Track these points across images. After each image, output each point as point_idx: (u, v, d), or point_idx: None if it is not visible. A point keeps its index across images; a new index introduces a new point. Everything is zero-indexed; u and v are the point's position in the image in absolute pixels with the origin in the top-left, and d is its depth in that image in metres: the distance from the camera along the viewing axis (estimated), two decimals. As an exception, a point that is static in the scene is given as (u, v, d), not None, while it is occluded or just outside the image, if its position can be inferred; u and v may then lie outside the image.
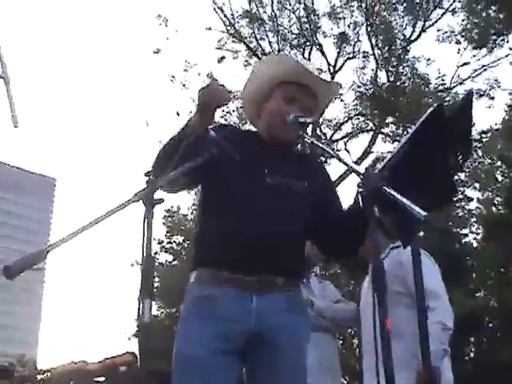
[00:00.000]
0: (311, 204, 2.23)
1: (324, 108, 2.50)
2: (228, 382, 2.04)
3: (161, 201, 1.73)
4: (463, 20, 17.23)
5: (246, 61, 18.49)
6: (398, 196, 1.69)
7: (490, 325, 16.78)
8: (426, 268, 3.27)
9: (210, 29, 18.74)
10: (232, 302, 2.06)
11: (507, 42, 16.61)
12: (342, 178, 15.60)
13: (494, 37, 16.71)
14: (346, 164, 2.03)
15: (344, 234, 2.19)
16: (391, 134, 18.15)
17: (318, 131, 17.51)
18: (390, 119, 18.13)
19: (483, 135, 17.99)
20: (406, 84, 17.56)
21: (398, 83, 17.60)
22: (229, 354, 2.03)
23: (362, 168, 1.90)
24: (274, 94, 2.30)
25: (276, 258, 2.08)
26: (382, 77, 18.04)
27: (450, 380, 3.20)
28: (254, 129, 2.49)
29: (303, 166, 2.36)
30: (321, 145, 2.22)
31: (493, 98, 17.46)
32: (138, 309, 1.68)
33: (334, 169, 19.11)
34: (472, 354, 17.56)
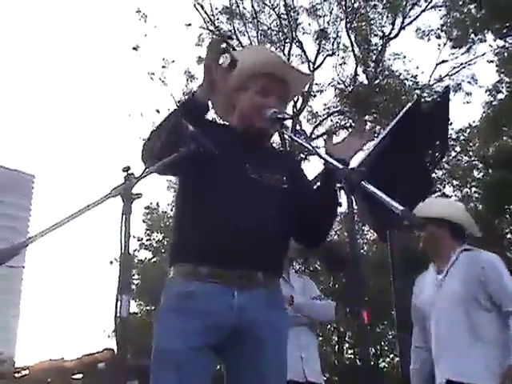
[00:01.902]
0: (290, 198, 2.23)
1: (295, 96, 2.53)
2: (204, 377, 2.04)
3: (139, 196, 1.73)
4: (442, 17, 17.42)
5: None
6: (377, 191, 1.69)
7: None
8: (505, 272, 3.28)
9: (189, 25, 18.70)
10: (213, 297, 2.05)
11: (485, 40, 16.79)
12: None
13: (473, 35, 16.86)
14: (325, 160, 2.03)
15: (313, 214, 2.23)
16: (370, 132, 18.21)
17: (297, 127, 17.54)
18: (369, 117, 18.22)
19: (461, 133, 18.17)
20: (385, 82, 17.67)
21: (377, 81, 17.71)
22: (207, 350, 2.03)
23: (340, 165, 1.90)
24: (248, 85, 2.31)
25: (257, 254, 2.08)
26: (361, 74, 18.16)
27: None
28: (225, 122, 2.49)
29: (280, 161, 2.37)
30: (300, 141, 2.21)
31: (470, 94, 17.61)
32: (116, 305, 1.67)
33: (313, 165, 19.14)
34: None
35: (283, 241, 2.24)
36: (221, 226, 2.08)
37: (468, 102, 17.54)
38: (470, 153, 18.26)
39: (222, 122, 2.50)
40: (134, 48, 18.34)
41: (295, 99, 17.93)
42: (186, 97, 2.19)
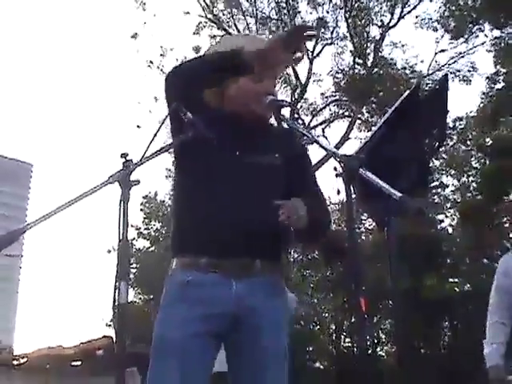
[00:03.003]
0: (287, 180, 2.22)
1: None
2: (204, 364, 2.05)
3: (137, 182, 1.73)
4: (440, 7, 17.38)
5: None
6: (375, 179, 1.69)
7: (465, 310, 17.01)
8: None
9: (188, 13, 18.62)
10: (213, 286, 2.06)
11: (483, 30, 16.76)
12: (321, 163, 15.64)
13: (471, 25, 16.83)
14: (324, 148, 2.03)
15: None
16: (368, 121, 18.22)
17: (295, 116, 17.52)
18: (367, 106, 18.20)
19: (458, 122, 18.16)
20: (383, 71, 17.64)
21: (376, 70, 17.68)
22: (207, 337, 2.04)
23: (340, 152, 1.90)
24: None
25: (254, 242, 2.07)
26: (360, 63, 18.11)
27: None
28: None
29: (278, 141, 2.32)
30: (300, 129, 2.20)
31: (470, 81, 17.55)
32: (114, 292, 1.68)
33: (312, 154, 19.11)
34: (447, 339, 17.81)
35: (281, 227, 2.18)
36: (216, 217, 2.08)
37: (467, 84, 17.43)
38: (468, 142, 18.26)
39: (214, 107, 2.44)
40: (133, 36, 18.28)
41: (293, 88, 17.94)
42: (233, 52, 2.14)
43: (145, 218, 22.99)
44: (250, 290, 2.08)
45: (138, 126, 18.35)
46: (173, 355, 1.99)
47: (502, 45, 15.80)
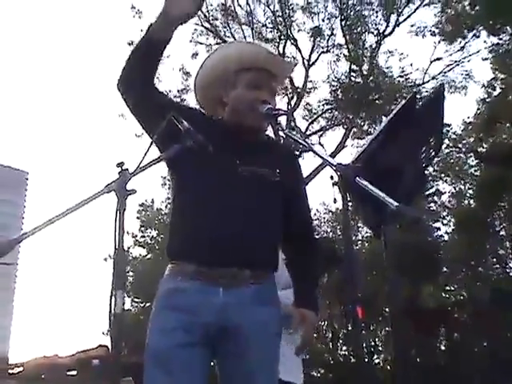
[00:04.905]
0: (283, 194, 2.22)
1: (280, 86, 2.50)
2: (194, 372, 2.03)
3: (133, 192, 1.72)
4: (436, 14, 17.46)
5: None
6: (372, 187, 1.69)
7: (461, 318, 17.02)
8: None
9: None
10: (197, 295, 2.05)
11: (478, 36, 16.82)
12: (317, 171, 15.67)
13: (466, 31, 16.88)
14: (320, 157, 2.02)
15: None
16: (363, 129, 18.26)
17: (292, 123, 17.56)
18: (362, 114, 18.23)
19: (454, 128, 18.24)
20: (379, 79, 17.69)
21: (371, 78, 17.72)
22: (194, 346, 2.02)
23: (336, 161, 1.90)
24: (236, 81, 2.27)
25: (244, 252, 2.07)
26: (356, 71, 18.15)
27: None
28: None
29: (274, 154, 2.31)
30: (296, 138, 2.18)
31: (466, 92, 17.60)
32: (110, 300, 1.67)
33: (308, 162, 19.17)
34: (443, 347, 17.80)
35: (274, 236, 2.21)
36: (207, 226, 2.08)
37: (464, 94, 17.47)
38: (463, 149, 18.32)
39: (211, 116, 2.43)
40: (130, 43, 18.28)
41: (290, 96, 17.98)
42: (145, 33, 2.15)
43: (141, 226, 22.98)
44: (235, 300, 2.06)
45: (136, 136, 18.27)
46: (160, 365, 2.00)
47: (500, 51, 15.86)
